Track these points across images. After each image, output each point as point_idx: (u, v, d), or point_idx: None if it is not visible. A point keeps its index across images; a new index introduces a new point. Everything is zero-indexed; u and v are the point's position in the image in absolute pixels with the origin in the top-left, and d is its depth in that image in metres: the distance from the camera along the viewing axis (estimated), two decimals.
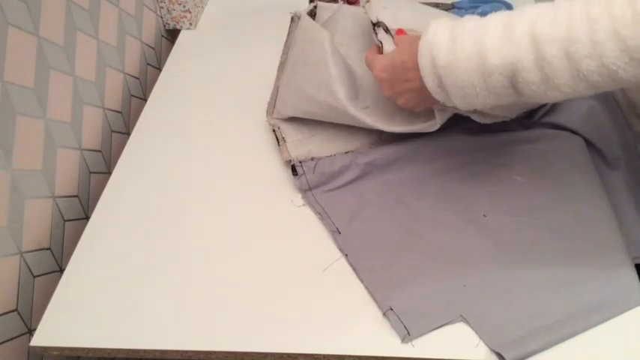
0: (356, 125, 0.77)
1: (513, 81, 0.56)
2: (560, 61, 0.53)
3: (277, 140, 0.80)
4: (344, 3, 0.92)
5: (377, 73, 0.68)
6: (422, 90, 0.63)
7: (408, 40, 0.66)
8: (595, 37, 0.50)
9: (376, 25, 0.72)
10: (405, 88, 0.66)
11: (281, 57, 0.83)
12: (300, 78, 0.78)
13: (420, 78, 0.62)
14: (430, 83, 0.61)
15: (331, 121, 0.79)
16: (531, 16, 0.55)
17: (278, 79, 0.83)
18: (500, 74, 0.56)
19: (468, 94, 0.59)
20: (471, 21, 0.59)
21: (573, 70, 0.53)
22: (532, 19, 0.54)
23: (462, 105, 0.62)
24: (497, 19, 0.57)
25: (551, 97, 0.56)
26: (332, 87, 0.73)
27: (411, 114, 0.74)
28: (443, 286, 0.64)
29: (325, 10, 0.84)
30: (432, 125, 0.72)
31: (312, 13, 0.84)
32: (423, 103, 0.68)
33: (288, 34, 0.82)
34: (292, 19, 0.81)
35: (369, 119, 0.74)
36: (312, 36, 0.76)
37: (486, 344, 0.59)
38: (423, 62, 0.60)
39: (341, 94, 0.73)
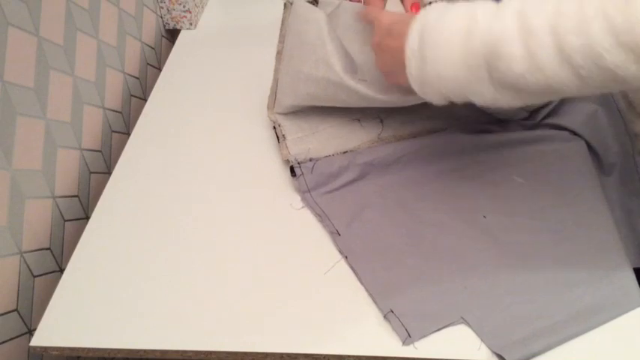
0: (353, 103, 0.77)
1: (492, 55, 0.53)
2: (545, 34, 0.50)
3: (277, 138, 0.80)
4: None
5: (381, 16, 0.66)
6: (400, 52, 0.60)
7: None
8: (583, 13, 0.48)
9: None
10: (391, 46, 0.63)
11: (277, 46, 0.83)
12: (297, 60, 0.78)
13: (406, 36, 0.60)
14: (411, 42, 0.59)
15: (330, 101, 0.78)
16: None
17: (276, 70, 0.83)
18: (481, 41, 0.53)
19: (442, 57, 0.56)
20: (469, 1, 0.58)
21: (557, 47, 0.50)
22: None
23: (432, 78, 0.58)
24: None
25: (530, 82, 0.53)
26: (329, 60, 0.74)
27: (408, 87, 0.74)
28: (443, 287, 0.64)
29: (326, 5, 0.84)
30: None
31: None
32: (394, 70, 0.65)
33: (282, 22, 0.82)
34: (285, 5, 0.81)
35: (366, 90, 0.74)
36: (307, 17, 0.77)
37: (488, 346, 0.59)
38: (414, 24, 0.59)
39: (338, 66, 0.73)
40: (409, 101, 0.74)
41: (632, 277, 0.64)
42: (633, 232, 0.74)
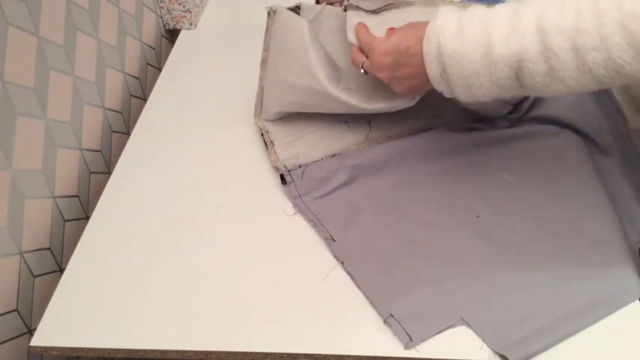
0: (338, 112, 0.77)
1: (519, 72, 0.56)
2: (567, 53, 0.53)
3: (265, 144, 0.80)
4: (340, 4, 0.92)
5: (379, 57, 0.66)
6: (423, 76, 0.63)
7: (414, 25, 0.65)
8: (603, 30, 0.50)
9: (346, 8, 0.74)
10: (407, 73, 0.65)
11: (262, 54, 0.83)
12: (281, 69, 0.78)
13: (423, 65, 0.61)
14: (433, 71, 0.61)
15: (315, 109, 0.79)
16: (538, 7, 0.55)
17: (261, 77, 0.84)
18: (506, 65, 0.56)
19: (472, 85, 0.59)
20: (478, 10, 0.59)
21: (579, 63, 0.52)
22: (539, 10, 0.54)
23: (464, 95, 0.61)
24: (504, 9, 0.57)
25: (554, 89, 0.56)
26: (312, 69, 0.74)
27: (392, 93, 0.74)
28: (442, 289, 0.63)
29: (309, 10, 0.84)
30: (411, 100, 0.72)
31: (295, 13, 0.84)
32: (420, 88, 0.67)
33: (266, 30, 0.82)
34: (269, 14, 0.81)
35: (350, 99, 0.74)
36: (290, 26, 0.77)
37: (489, 346, 0.59)
38: (429, 49, 0.60)
39: (321, 75, 0.74)
40: (394, 108, 0.74)
41: (631, 269, 0.64)
42: None
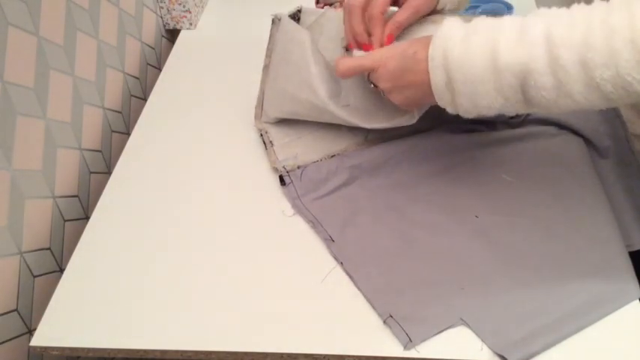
0: (338, 123, 0.78)
1: (524, 85, 0.55)
2: (575, 66, 0.52)
3: (265, 144, 0.80)
4: (334, 7, 0.92)
5: (384, 59, 0.65)
6: (427, 85, 0.61)
7: (421, 37, 0.64)
8: (612, 46, 0.50)
9: None
10: (410, 81, 0.63)
11: (264, 60, 0.83)
12: (282, 79, 0.78)
13: (427, 72, 0.60)
14: (437, 77, 0.59)
15: (315, 120, 0.79)
16: (547, 19, 0.54)
17: (263, 82, 0.84)
18: (512, 73, 0.55)
19: (477, 92, 0.58)
20: (484, 20, 0.58)
21: (587, 78, 0.52)
22: (548, 22, 0.53)
23: (467, 106, 0.60)
24: (512, 19, 0.56)
25: (561, 105, 0.55)
26: (312, 84, 0.73)
27: (391, 111, 0.74)
28: (441, 290, 0.63)
29: (309, 14, 0.84)
30: (411, 118, 0.71)
31: (296, 17, 0.84)
32: (420, 101, 0.66)
33: (270, 37, 0.82)
34: (273, 21, 0.81)
35: (350, 117, 0.74)
36: (292, 36, 0.77)
37: (489, 347, 0.59)
38: (435, 53, 0.59)
39: (321, 90, 0.73)
40: (393, 126, 0.74)
41: (629, 268, 0.64)
42: (636, 211, 0.74)
